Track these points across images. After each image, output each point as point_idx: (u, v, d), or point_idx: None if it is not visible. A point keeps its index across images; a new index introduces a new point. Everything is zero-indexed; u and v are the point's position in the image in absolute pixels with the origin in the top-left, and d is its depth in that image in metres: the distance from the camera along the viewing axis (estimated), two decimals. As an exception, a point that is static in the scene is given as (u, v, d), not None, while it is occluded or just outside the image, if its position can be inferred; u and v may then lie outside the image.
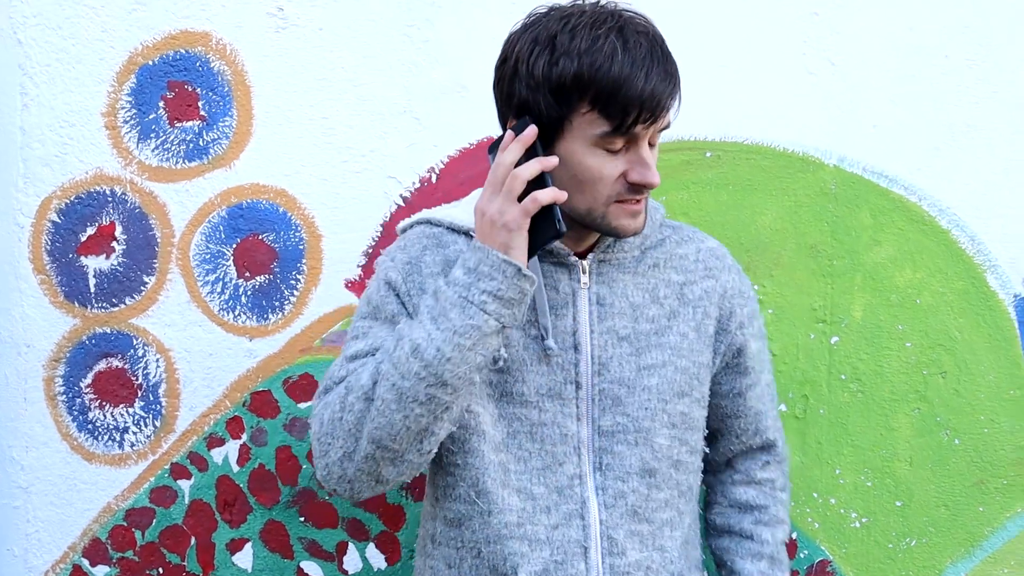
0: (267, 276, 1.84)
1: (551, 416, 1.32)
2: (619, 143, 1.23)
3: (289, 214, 1.84)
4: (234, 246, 1.84)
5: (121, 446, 1.87)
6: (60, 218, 1.85)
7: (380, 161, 1.81)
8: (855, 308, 1.77)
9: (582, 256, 1.35)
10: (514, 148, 1.21)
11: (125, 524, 1.87)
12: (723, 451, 1.51)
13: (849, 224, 1.76)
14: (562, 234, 1.20)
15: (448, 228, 1.37)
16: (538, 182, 1.21)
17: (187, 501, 1.87)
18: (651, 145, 1.27)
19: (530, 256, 1.23)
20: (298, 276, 1.84)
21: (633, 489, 1.33)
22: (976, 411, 1.77)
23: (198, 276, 1.85)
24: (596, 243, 1.35)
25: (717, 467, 1.54)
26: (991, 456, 1.78)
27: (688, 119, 1.76)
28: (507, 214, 1.19)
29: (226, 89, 1.82)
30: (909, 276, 1.76)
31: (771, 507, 1.50)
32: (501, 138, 1.26)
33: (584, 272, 1.33)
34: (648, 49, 1.20)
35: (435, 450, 1.27)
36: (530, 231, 1.21)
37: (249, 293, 1.85)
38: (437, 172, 1.81)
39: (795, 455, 1.78)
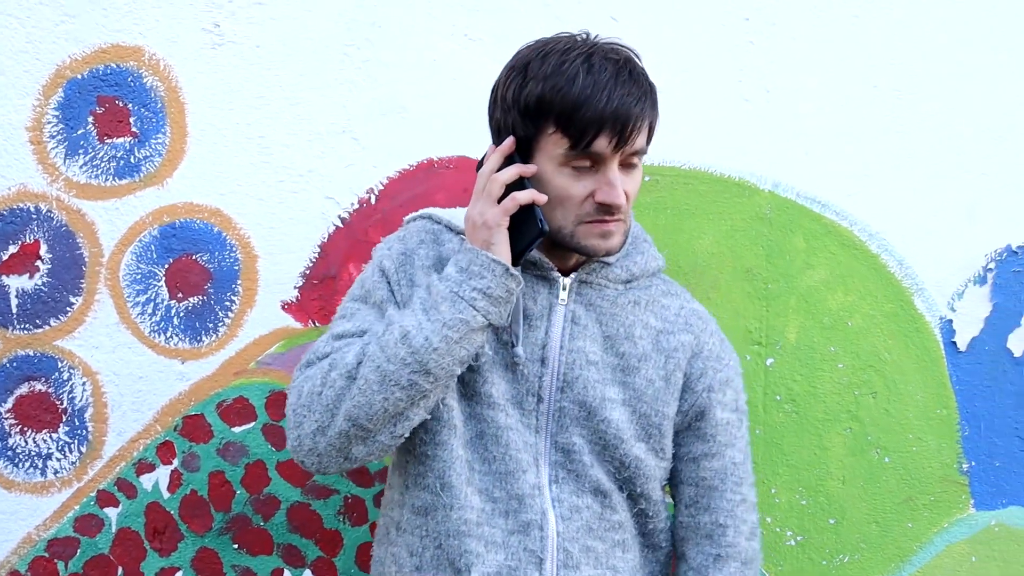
0: (201, 297, 1.80)
1: (515, 422, 1.33)
2: (586, 163, 1.27)
3: (224, 234, 1.80)
4: (166, 266, 1.79)
5: (44, 473, 1.80)
6: (-19, 236, 1.77)
7: (318, 181, 1.79)
8: (789, 330, 1.80)
9: (566, 274, 1.37)
10: (494, 157, 1.29)
11: (47, 555, 1.79)
12: (677, 524, 1.46)
13: (784, 248, 1.80)
14: (545, 232, 1.25)
15: (447, 227, 1.41)
16: (519, 188, 1.27)
17: (114, 529, 1.80)
18: (629, 167, 1.30)
19: (518, 258, 1.27)
20: (233, 297, 1.80)
21: (587, 505, 1.35)
22: (905, 430, 1.82)
23: (128, 297, 1.79)
24: (583, 264, 1.37)
25: (677, 551, 1.47)
26: (919, 473, 1.83)
27: (628, 143, 1.79)
28: (486, 214, 1.26)
29: (159, 105, 1.78)
30: (841, 299, 1.81)
31: None
32: (484, 157, 1.34)
33: (564, 289, 1.35)
34: (613, 72, 1.24)
35: (406, 435, 1.29)
36: (515, 234, 1.26)
37: (182, 315, 1.80)
38: (376, 193, 1.79)
39: (732, 475, 1.80)
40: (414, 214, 1.47)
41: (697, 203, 1.80)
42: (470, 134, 1.77)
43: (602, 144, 1.24)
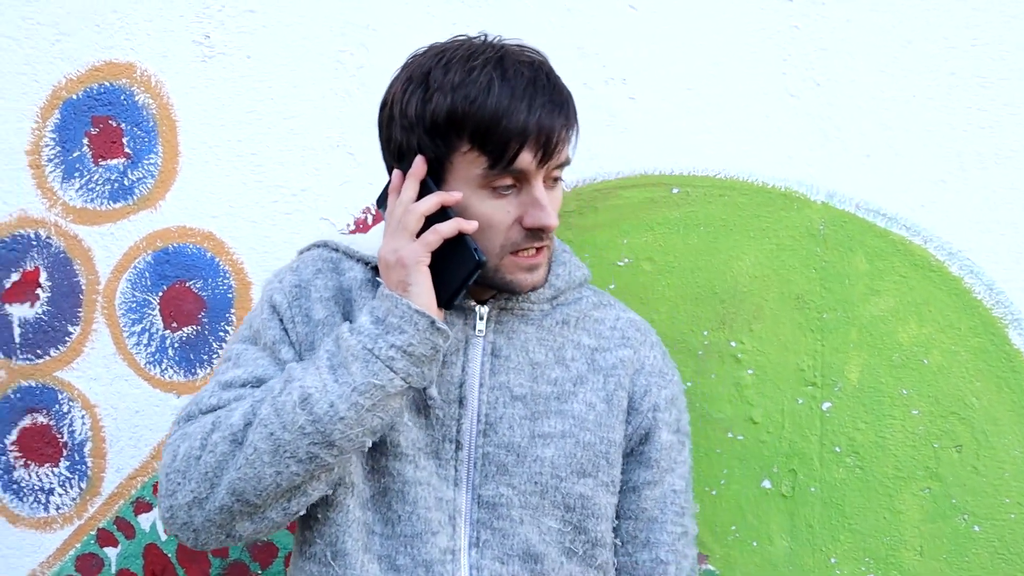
0: (195, 327, 1.69)
1: (426, 476, 1.16)
2: (507, 182, 1.12)
3: (217, 259, 1.68)
4: (160, 294, 1.70)
5: (47, 508, 1.75)
6: (-16, 264, 1.73)
7: (312, 201, 1.64)
8: (850, 369, 1.51)
9: (482, 303, 1.21)
10: (408, 184, 1.12)
11: (47, 595, 1.74)
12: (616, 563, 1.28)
13: (841, 270, 1.51)
14: (483, 263, 1.09)
15: (345, 254, 1.25)
16: (442, 220, 1.11)
17: (114, 570, 1.73)
18: (552, 183, 1.16)
19: (451, 300, 1.12)
20: (227, 327, 1.68)
21: (514, 574, 1.15)
22: (999, 492, 1.49)
23: (124, 326, 1.71)
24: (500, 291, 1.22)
25: None
26: (1018, 547, 1.49)
27: (651, 151, 1.56)
28: (402, 250, 1.10)
29: (151, 124, 1.68)
30: (914, 331, 1.50)
31: None
32: (387, 188, 1.18)
33: (481, 319, 1.20)
34: (530, 78, 1.10)
35: (302, 511, 1.13)
36: (444, 272, 1.10)
37: (176, 345, 1.69)
38: (373, 212, 1.63)
39: (783, 540, 1.53)
40: (308, 243, 1.31)
41: (736, 218, 1.53)
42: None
43: (526, 159, 1.10)
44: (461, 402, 1.18)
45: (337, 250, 1.26)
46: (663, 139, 1.54)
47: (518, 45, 1.15)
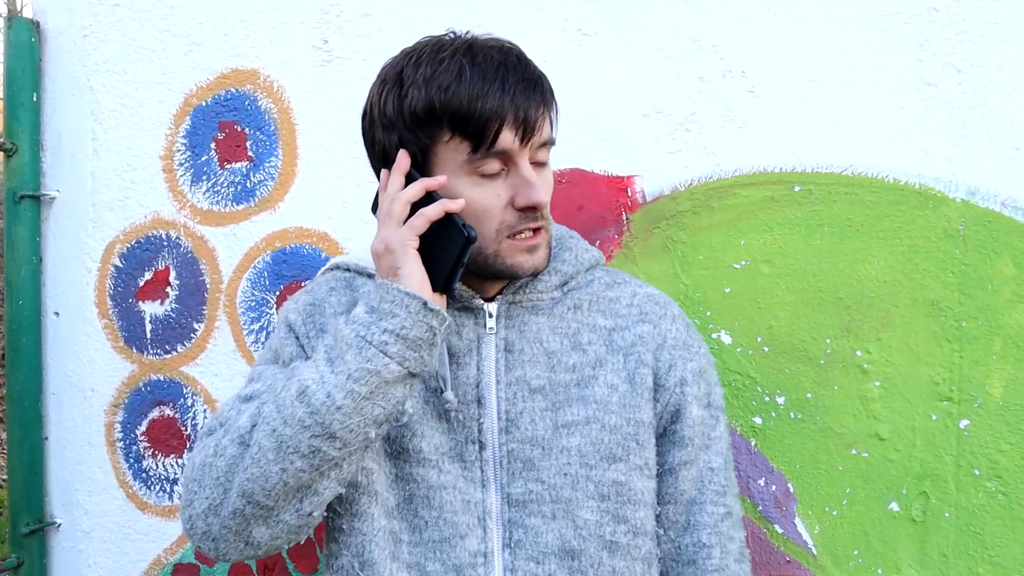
0: (309, 326, 1.72)
1: (451, 479, 1.14)
2: (494, 166, 1.11)
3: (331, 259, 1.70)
4: (277, 293, 1.74)
5: (171, 497, 1.82)
6: (122, 263, 1.83)
7: (422, 201, 1.64)
8: (993, 383, 1.37)
9: (490, 300, 1.20)
10: (393, 178, 1.11)
11: (169, 580, 1.81)
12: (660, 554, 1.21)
13: (983, 275, 1.37)
14: (473, 238, 1.07)
15: (357, 272, 1.27)
16: (427, 205, 1.10)
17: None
18: (539, 165, 1.14)
19: (450, 282, 1.09)
20: (339, 326, 1.70)
21: (550, 574, 1.11)
22: None
23: (244, 324, 1.76)
24: (507, 285, 1.20)
25: None
26: None
27: (771, 146, 1.47)
28: (389, 236, 1.08)
29: (272, 128, 1.73)
30: (1069, 344, 1.34)
31: None
32: (378, 193, 1.17)
33: (491, 316, 1.18)
34: (501, 61, 1.09)
35: (317, 513, 1.10)
36: (438, 256, 1.08)
37: (291, 343, 1.73)
38: (481, 213, 1.61)
39: (912, 569, 1.40)
40: (323, 268, 1.32)
41: (864, 218, 1.42)
42: (586, 142, 1.54)
43: (507, 139, 1.08)
44: (480, 402, 1.15)
45: (349, 270, 1.27)
46: (784, 134, 1.45)
47: (486, 35, 1.14)
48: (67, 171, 1.85)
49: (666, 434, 1.20)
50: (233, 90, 1.76)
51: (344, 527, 1.15)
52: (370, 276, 1.24)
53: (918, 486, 1.40)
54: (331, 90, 1.70)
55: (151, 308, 1.82)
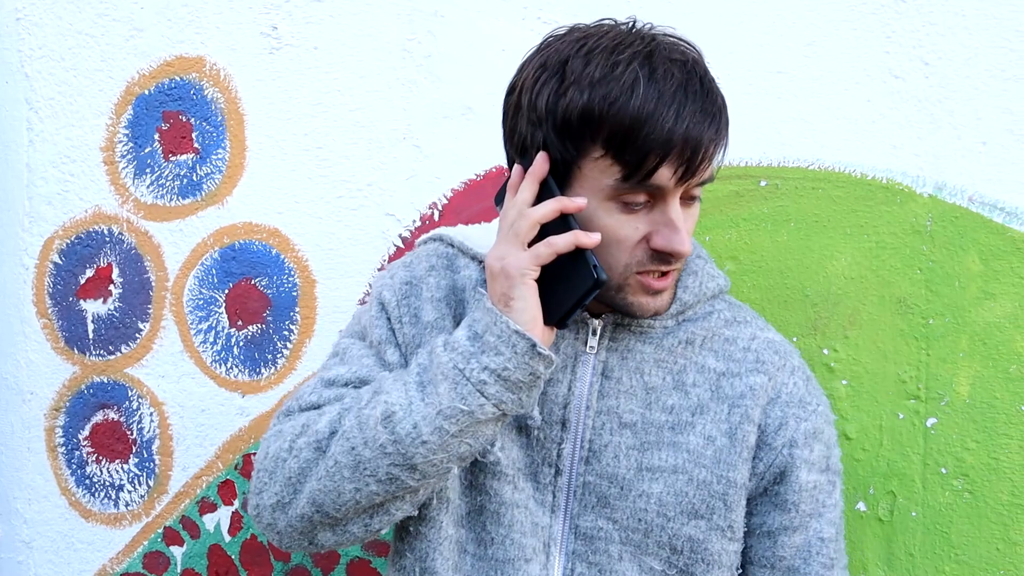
0: (259, 325, 1.65)
1: (524, 498, 1.07)
2: (640, 198, 0.99)
3: (282, 256, 1.64)
4: (226, 291, 1.67)
5: (116, 505, 1.74)
6: (61, 259, 1.74)
7: (378, 196, 1.58)
8: (960, 381, 1.35)
9: (596, 315, 1.09)
10: (527, 185, 1.00)
11: (115, 591, 1.74)
12: None
13: (951, 271, 1.35)
14: (603, 283, 0.96)
15: (461, 250, 1.16)
16: (561, 228, 0.98)
17: (179, 569, 1.71)
18: (689, 201, 1.02)
19: (567, 318, 0.99)
20: (291, 326, 1.64)
21: None
22: None
23: (191, 323, 1.69)
24: None
25: None
26: None
27: (736, 140, 1.41)
28: (508, 258, 0.97)
29: (219, 119, 1.66)
30: (1036, 341, 1.33)
31: None
32: (506, 184, 1.05)
33: (594, 334, 1.08)
34: (682, 81, 0.95)
35: (386, 529, 1.05)
36: (558, 288, 0.98)
37: (241, 344, 1.66)
38: (440, 208, 1.56)
39: (879, 569, 1.38)
40: (425, 236, 1.21)
41: (831, 213, 1.39)
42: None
43: (664, 176, 0.96)
44: (564, 424, 1.07)
45: (452, 245, 1.16)
46: (750, 127, 1.41)
47: (671, 37, 1.00)
48: (1, 162, 1.75)
49: (767, 494, 1.10)
50: (178, 78, 1.68)
51: (411, 529, 1.09)
52: (473, 258, 1.13)
53: (885, 485, 1.38)
54: (281, 79, 1.62)
55: (93, 307, 1.74)
